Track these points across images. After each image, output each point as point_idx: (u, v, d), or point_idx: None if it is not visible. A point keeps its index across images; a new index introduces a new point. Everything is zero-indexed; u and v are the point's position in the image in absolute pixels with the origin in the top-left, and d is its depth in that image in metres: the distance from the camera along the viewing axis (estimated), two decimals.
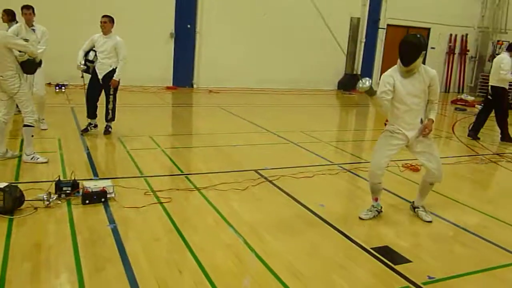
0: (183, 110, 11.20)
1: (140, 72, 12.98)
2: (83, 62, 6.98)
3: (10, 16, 6.91)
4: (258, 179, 5.62)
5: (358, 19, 15.99)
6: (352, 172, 6.21)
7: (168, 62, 13.72)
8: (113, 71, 7.12)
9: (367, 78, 4.09)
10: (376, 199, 4.63)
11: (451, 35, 17.73)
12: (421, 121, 4.42)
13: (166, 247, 3.76)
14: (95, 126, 7.36)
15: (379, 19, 16.22)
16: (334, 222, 4.45)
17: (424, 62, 4.36)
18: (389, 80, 4.28)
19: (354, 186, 5.80)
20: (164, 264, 3.46)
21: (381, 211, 4.66)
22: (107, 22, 7.00)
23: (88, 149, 6.46)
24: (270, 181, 5.57)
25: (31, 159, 5.63)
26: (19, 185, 4.65)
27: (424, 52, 4.19)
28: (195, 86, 14.17)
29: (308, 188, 5.47)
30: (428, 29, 17.26)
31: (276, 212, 4.62)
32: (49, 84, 11.59)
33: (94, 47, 7.02)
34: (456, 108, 13.57)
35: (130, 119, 8.95)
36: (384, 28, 16.37)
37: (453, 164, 7.01)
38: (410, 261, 3.74)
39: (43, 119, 7.41)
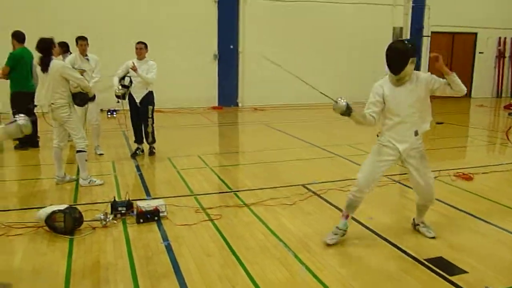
0: (229, 129, 11.39)
1: (186, 94, 13.40)
2: (120, 87, 7.19)
3: (64, 48, 7.35)
4: (306, 193, 5.64)
5: (401, 28, 15.75)
6: (401, 183, 6.11)
7: (213, 82, 14.04)
8: (150, 93, 7.38)
9: (341, 98, 3.93)
10: (347, 217, 4.29)
11: (500, 38, 17.14)
12: (416, 133, 4.05)
13: (218, 263, 3.84)
14: (142, 150, 7.64)
15: (423, 27, 15.94)
16: (385, 234, 4.40)
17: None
18: (378, 90, 4.06)
19: (403, 197, 5.71)
20: (217, 279, 3.54)
21: (346, 233, 4.27)
22: (143, 48, 7.30)
23: (140, 171, 6.71)
24: (318, 195, 5.58)
25: (88, 182, 5.91)
26: (78, 207, 4.92)
27: (413, 58, 3.90)
28: (240, 104, 14.40)
29: None
30: (475, 34, 16.79)
31: (325, 225, 4.61)
32: (101, 110, 12.11)
33: (128, 72, 7.24)
34: (510, 114, 13.05)
35: (179, 139, 9.23)
36: (428, 36, 16.06)
37: (508, 171, 6.75)
38: (465, 272, 3.64)
39: (98, 145, 7.75)
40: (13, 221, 4.63)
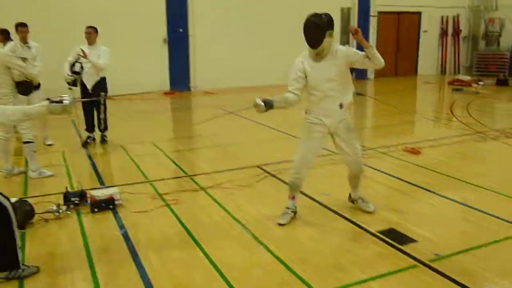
0: (183, 114, 11.27)
1: (137, 79, 13.08)
2: (69, 73, 6.99)
3: (5, 35, 6.98)
4: (262, 174, 5.71)
5: (349, 9, 16.04)
6: None
7: (163, 67, 13.80)
8: (102, 80, 7.23)
9: (257, 98, 4.04)
10: (293, 198, 4.36)
11: (442, 17, 17.75)
12: (341, 106, 4.08)
13: (177, 247, 3.83)
14: (93, 139, 7.47)
15: (370, 7, 16.24)
16: (339, 209, 4.54)
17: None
18: (299, 66, 4.06)
19: None
20: (176, 263, 3.55)
21: (296, 212, 4.38)
22: (92, 33, 7.10)
23: (92, 160, 6.56)
24: (273, 175, 5.66)
25: (39, 174, 5.72)
26: (29, 200, 4.76)
27: (331, 31, 3.88)
28: (193, 89, 14.25)
29: (310, 179, 5.50)
30: (419, 13, 17.30)
31: (280, 204, 4.66)
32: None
33: (79, 59, 7.02)
34: (453, 89, 13.62)
35: (131, 126, 9.06)
36: (375, 16, 16.40)
37: (454, 144, 7.09)
38: (416, 241, 3.82)
39: (47, 135, 7.49)
40: None
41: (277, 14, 14.57)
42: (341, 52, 3.97)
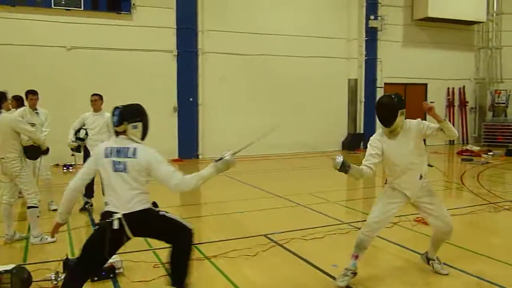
0: None
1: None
2: (74, 139, 7.07)
3: (18, 102, 7.15)
4: (268, 243, 5.53)
5: (356, 80, 16.40)
6: None
7: (173, 135, 13.95)
8: None
9: (339, 155, 4.08)
10: (356, 257, 4.30)
11: (448, 88, 18.06)
12: (420, 177, 4.24)
13: None
14: (91, 205, 7.39)
15: (376, 79, 16.60)
16: (349, 282, 4.32)
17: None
18: (376, 143, 4.24)
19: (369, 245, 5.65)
20: None
21: (356, 273, 4.31)
22: (98, 100, 7.24)
23: (95, 225, 6.42)
24: (281, 245, 5.48)
25: (40, 240, 5.60)
26: (28, 266, 4.62)
27: (402, 110, 4.10)
28: (200, 156, 14.31)
29: (319, 249, 5.37)
30: (425, 85, 17.62)
31: (288, 275, 4.50)
32: (57, 165, 11.78)
33: (84, 125, 7.13)
34: (463, 159, 13.53)
35: None
36: (382, 87, 16.71)
37: (466, 214, 6.90)
38: None
39: (52, 201, 7.43)
40: None
41: (286, 84, 14.93)
42: (413, 126, 4.19)
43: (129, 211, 3.47)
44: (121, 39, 13.02)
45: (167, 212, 3.75)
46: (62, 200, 3.81)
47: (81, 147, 7.12)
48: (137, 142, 3.59)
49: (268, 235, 5.83)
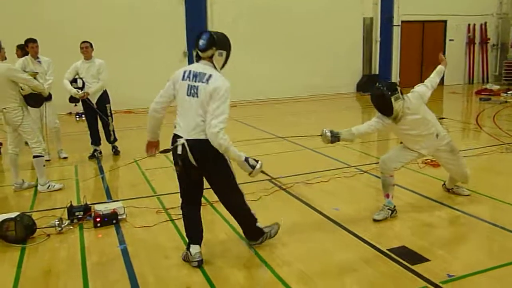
0: None
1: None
2: (79, 90, 7.00)
3: (23, 51, 7.07)
4: (272, 188, 5.52)
5: (371, 18, 15.77)
6: (369, 173, 6.03)
7: None
8: (105, 92, 7.24)
9: (324, 129, 4.24)
10: (388, 195, 4.46)
11: (469, 25, 17.26)
12: (437, 136, 4.43)
13: (175, 265, 3.69)
14: (100, 152, 7.44)
15: (393, 17, 15.93)
16: (349, 225, 4.31)
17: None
18: (383, 120, 4.29)
19: (370, 188, 5.60)
20: (172, 281, 3.41)
21: (395, 210, 4.47)
22: (88, 47, 7.09)
23: (103, 173, 6.51)
24: (284, 189, 5.47)
25: (47, 188, 5.69)
26: (34, 214, 4.73)
27: (395, 95, 4.09)
28: None
29: (322, 193, 5.34)
30: (445, 22, 16.86)
31: (289, 220, 4.50)
32: (70, 113, 11.85)
33: (77, 74, 7.05)
34: (480, 99, 13.14)
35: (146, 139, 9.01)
36: (398, 25, 16.05)
37: (478, 156, 6.74)
38: (428, 260, 3.56)
39: (62, 149, 7.51)
40: None
41: (298, 27, 14.45)
42: (414, 99, 4.29)
43: (192, 138, 3.43)
44: None
45: (230, 163, 3.70)
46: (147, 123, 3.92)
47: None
48: (216, 70, 3.52)
49: (273, 179, 5.80)
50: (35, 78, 6.66)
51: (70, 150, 7.65)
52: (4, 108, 5.36)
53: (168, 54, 13.33)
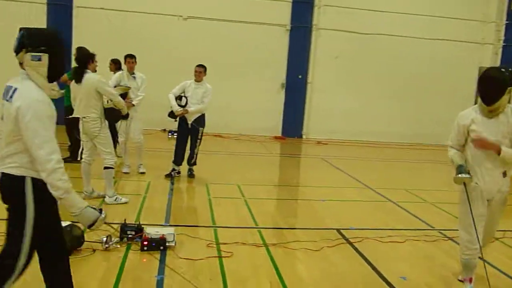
0: (283, 160, 10.92)
1: (250, 121, 13.17)
2: (179, 108, 7.11)
3: (117, 65, 7.37)
4: (337, 239, 4.99)
5: None
6: (454, 241, 5.23)
7: (278, 112, 13.68)
8: (202, 116, 7.23)
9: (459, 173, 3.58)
10: (471, 280, 3.72)
11: None
12: (504, 175, 3.59)
13: None
14: (178, 172, 7.42)
15: None
16: None
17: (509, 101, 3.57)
18: (464, 122, 3.66)
19: (452, 259, 4.75)
20: None
21: None
22: (202, 72, 7.18)
23: (171, 194, 6.43)
24: (351, 243, 4.91)
25: (115, 200, 5.73)
26: None
27: (510, 88, 3.44)
28: (304, 136, 13.89)
29: (393, 255, 4.70)
30: None
31: (345, 280, 3.97)
32: (164, 130, 12.23)
33: (183, 92, 7.14)
34: None
35: (226, 166, 8.94)
36: None
37: None
38: None
39: (141, 164, 7.62)
40: None
41: (403, 68, 13.74)
42: None
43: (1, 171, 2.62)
44: (236, 11, 12.94)
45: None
46: None
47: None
48: (32, 81, 2.57)
49: (341, 230, 5.29)
50: (127, 93, 6.91)
51: (151, 166, 7.72)
52: (84, 117, 5.52)
53: (266, 84, 13.37)
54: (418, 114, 14.03)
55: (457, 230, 5.37)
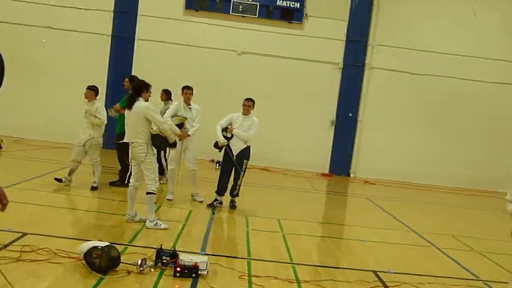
0: (328, 198, 10.80)
1: (298, 156, 13.20)
2: (223, 139, 7.26)
3: (167, 95, 7.67)
4: (373, 282, 4.84)
5: None
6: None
7: (326, 149, 13.62)
8: (248, 148, 7.32)
9: None
10: None
11: None
12: None
13: None
14: (221, 203, 7.50)
15: None
16: None
17: None
18: None
19: None
20: None
21: None
22: (251, 106, 7.35)
23: (211, 223, 6.51)
24: (387, 287, 4.74)
25: (155, 225, 5.87)
26: (129, 248, 4.84)
27: None
28: (352, 175, 13.70)
29: None
30: None
31: None
32: (212, 160, 12.45)
33: (230, 125, 7.29)
34: None
35: (269, 199, 8.94)
36: None
37: None
38: None
39: (197, 193, 7.77)
40: (61, 249, 4.66)
41: (459, 111, 13.40)
42: None
43: None
44: (289, 47, 13.23)
45: None
46: None
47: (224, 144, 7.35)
48: None
49: (379, 272, 5.13)
50: (183, 123, 7.16)
51: (203, 195, 7.82)
52: (133, 142, 5.77)
53: (316, 121, 13.43)
54: (469, 157, 13.52)
55: (506, 282, 5.15)
